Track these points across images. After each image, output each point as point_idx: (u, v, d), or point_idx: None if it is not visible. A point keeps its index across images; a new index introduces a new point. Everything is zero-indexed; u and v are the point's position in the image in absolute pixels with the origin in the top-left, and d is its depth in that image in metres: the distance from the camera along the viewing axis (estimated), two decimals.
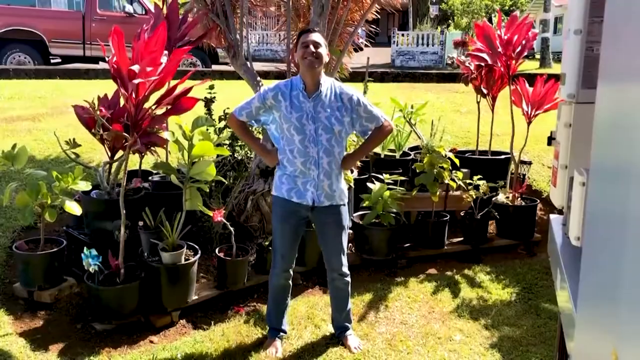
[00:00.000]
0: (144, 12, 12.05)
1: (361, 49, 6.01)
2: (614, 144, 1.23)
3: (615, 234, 1.14)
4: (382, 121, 3.24)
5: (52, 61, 12.90)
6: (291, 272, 3.41)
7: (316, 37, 3.09)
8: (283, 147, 3.15)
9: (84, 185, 3.60)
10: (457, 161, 4.64)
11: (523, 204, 5.02)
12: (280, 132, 3.14)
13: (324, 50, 3.10)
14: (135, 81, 3.09)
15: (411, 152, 5.46)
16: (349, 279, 3.44)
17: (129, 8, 12.40)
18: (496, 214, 4.93)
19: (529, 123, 5.01)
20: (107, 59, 3.24)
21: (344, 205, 3.29)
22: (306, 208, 3.19)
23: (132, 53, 3.18)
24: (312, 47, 3.05)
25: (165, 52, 3.33)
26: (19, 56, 12.23)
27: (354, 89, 3.26)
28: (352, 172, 4.69)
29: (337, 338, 3.51)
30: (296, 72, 5.02)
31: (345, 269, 3.39)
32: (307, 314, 3.82)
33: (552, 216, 2.58)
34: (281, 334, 3.46)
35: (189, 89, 3.45)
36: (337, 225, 3.27)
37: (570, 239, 1.88)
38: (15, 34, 12.16)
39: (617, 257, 1.11)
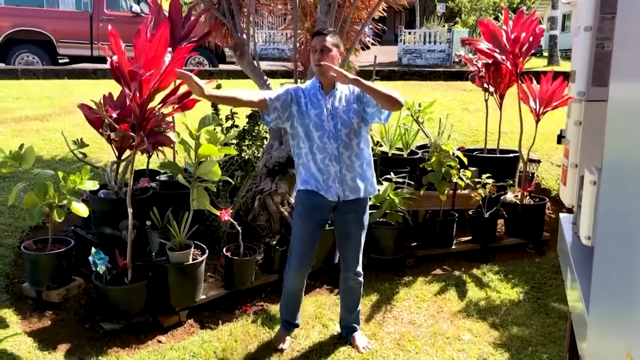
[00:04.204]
0: None
1: (368, 48, 5.99)
2: (627, 143, 1.21)
3: (629, 233, 1.12)
4: None
5: (60, 61, 12.95)
6: (306, 276, 3.40)
7: (327, 41, 3.07)
8: (302, 144, 3.15)
9: (91, 185, 3.61)
10: (465, 160, 4.62)
11: (532, 202, 4.99)
12: (300, 129, 3.13)
13: (335, 54, 3.09)
14: (136, 82, 3.09)
15: (419, 151, 5.44)
16: (362, 279, 3.43)
17: (136, 8, 12.43)
18: (505, 212, 4.90)
19: (537, 121, 4.98)
20: (108, 59, 3.24)
21: (367, 201, 3.28)
22: (329, 207, 3.17)
23: (134, 52, 3.18)
24: (318, 54, 3.06)
25: (170, 50, 3.32)
26: (27, 56, 12.29)
27: None
28: None
29: (345, 338, 3.50)
30: (303, 71, 5.02)
31: (360, 269, 3.39)
32: (315, 314, 3.81)
33: (562, 215, 2.56)
34: (293, 328, 3.48)
35: None
36: (358, 224, 3.27)
37: (580, 238, 1.86)
38: (23, 34, 12.22)
39: (631, 257, 1.09)
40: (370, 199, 3.33)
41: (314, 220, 3.24)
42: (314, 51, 3.07)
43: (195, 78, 2.79)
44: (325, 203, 3.17)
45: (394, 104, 2.98)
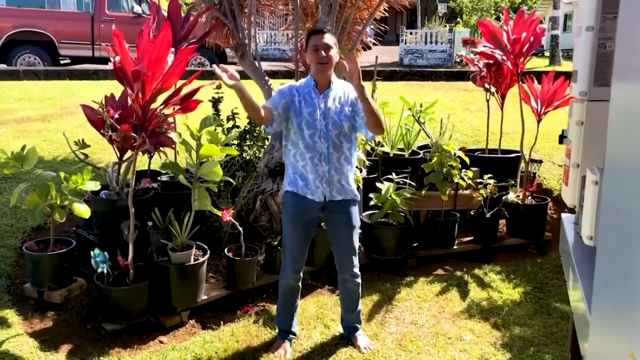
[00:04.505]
0: None
1: (369, 48, 6.00)
2: (628, 143, 1.21)
3: (631, 232, 1.12)
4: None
5: (61, 62, 12.97)
6: (301, 275, 3.40)
7: (327, 39, 3.07)
8: (294, 142, 3.15)
9: (93, 186, 3.61)
10: (466, 160, 4.61)
11: (533, 202, 4.98)
12: (292, 128, 3.13)
13: (334, 52, 3.10)
14: (139, 82, 3.09)
15: (420, 151, 5.43)
16: (359, 280, 3.42)
17: (137, 9, 12.45)
18: (506, 212, 4.90)
19: (538, 121, 4.98)
20: (111, 60, 3.24)
21: (355, 202, 3.28)
22: (318, 207, 3.18)
23: (136, 53, 3.18)
24: (322, 52, 3.05)
25: (172, 50, 3.32)
26: (29, 57, 12.31)
27: None
28: (360, 171, 4.67)
29: (347, 338, 3.50)
30: (305, 71, 5.02)
31: (356, 270, 3.37)
32: (317, 314, 3.81)
33: (563, 215, 2.55)
34: (290, 335, 3.45)
35: (197, 89, 3.45)
36: (348, 225, 3.26)
37: (582, 238, 1.85)
38: (25, 35, 12.24)
39: (633, 257, 1.09)
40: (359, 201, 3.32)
41: (303, 221, 3.24)
42: (316, 49, 3.06)
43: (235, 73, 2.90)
44: (312, 204, 3.17)
45: (378, 128, 3.03)
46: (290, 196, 3.22)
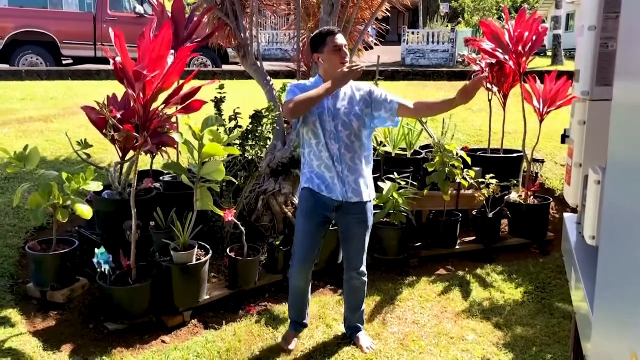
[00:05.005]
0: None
1: (371, 48, 6.00)
2: (631, 142, 1.20)
3: (633, 232, 1.12)
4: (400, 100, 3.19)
5: (63, 62, 12.99)
6: (310, 277, 3.40)
7: (344, 39, 3.12)
8: (308, 141, 3.17)
9: (95, 186, 3.62)
10: (469, 160, 4.61)
11: (536, 202, 4.98)
12: (306, 127, 3.14)
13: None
14: (140, 83, 3.09)
15: (422, 151, 5.43)
16: (366, 278, 3.42)
17: (139, 9, 12.46)
18: (509, 212, 4.89)
19: (541, 121, 4.97)
20: (111, 60, 3.25)
21: (371, 203, 3.28)
22: (332, 206, 3.18)
23: (137, 53, 3.18)
24: (345, 50, 3.10)
25: (172, 51, 3.33)
26: (31, 58, 12.33)
27: (368, 84, 3.26)
28: None
29: (349, 338, 3.50)
30: (307, 72, 5.03)
31: (364, 269, 3.38)
32: (319, 314, 3.81)
33: (566, 215, 2.55)
34: (301, 328, 3.50)
35: (198, 89, 3.45)
36: (363, 225, 3.26)
37: (585, 238, 1.85)
38: (27, 35, 12.26)
39: (635, 256, 1.09)
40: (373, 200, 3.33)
41: (316, 218, 3.24)
42: (339, 49, 3.07)
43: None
44: (328, 202, 3.17)
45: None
46: (306, 193, 3.23)
